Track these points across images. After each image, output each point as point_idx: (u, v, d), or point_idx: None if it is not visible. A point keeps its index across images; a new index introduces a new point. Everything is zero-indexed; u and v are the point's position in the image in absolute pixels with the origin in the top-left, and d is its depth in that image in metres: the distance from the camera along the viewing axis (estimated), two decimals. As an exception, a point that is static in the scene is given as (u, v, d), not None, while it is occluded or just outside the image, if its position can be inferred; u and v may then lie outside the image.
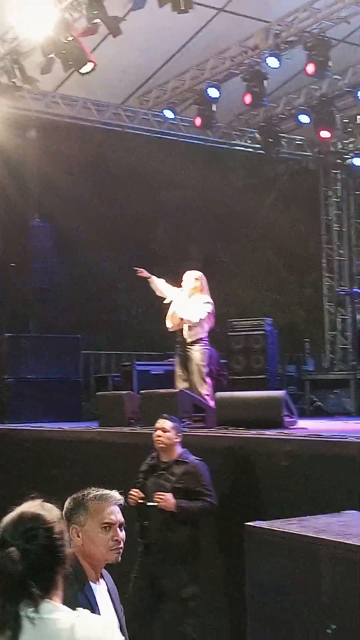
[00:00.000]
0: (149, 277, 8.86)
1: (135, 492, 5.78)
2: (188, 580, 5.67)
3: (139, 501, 5.74)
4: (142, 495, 5.76)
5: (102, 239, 16.34)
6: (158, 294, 8.85)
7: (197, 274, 8.72)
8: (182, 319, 8.51)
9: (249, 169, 18.06)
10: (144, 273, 8.89)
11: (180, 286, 8.70)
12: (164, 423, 5.89)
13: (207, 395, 8.47)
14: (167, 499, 5.61)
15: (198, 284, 8.62)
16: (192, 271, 8.79)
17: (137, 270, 8.91)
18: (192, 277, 8.66)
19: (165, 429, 5.85)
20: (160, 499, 5.62)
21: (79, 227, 15.62)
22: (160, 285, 8.83)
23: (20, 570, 2.07)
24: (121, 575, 6.09)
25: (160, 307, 9.04)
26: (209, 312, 8.54)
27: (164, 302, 8.80)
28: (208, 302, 8.60)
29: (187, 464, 5.80)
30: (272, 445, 6.19)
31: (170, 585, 5.68)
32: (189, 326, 8.50)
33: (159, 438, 5.85)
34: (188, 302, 8.57)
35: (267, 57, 11.45)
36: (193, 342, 8.53)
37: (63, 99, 13.17)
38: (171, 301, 8.67)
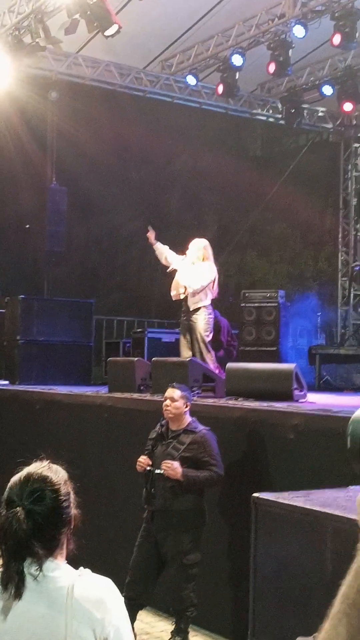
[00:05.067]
0: (155, 243, 8.84)
1: (143, 459, 5.84)
2: (191, 548, 5.73)
3: (147, 468, 5.80)
4: (149, 462, 5.81)
5: (117, 202, 16.31)
6: (163, 261, 8.84)
7: (203, 242, 8.69)
8: (185, 287, 8.51)
9: (269, 139, 17.93)
10: (151, 236, 8.83)
11: (185, 254, 8.66)
12: (172, 392, 5.89)
13: (211, 364, 8.48)
14: (173, 467, 5.65)
15: (201, 253, 8.60)
16: (197, 239, 8.75)
17: (149, 229, 8.86)
18: (197, 246, 8.63)
19: (173, 399, 5.86)
20: (167, 467, 5.67)
21: (95, 190, 15.59)
22: (165, 252, 8.80)
23: (25, 529, 2.12)
24: (128, 541, 6.19)
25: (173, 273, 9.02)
26: (211, 280, 8.53)
27: (167, 270, 8.76)
28: (211, 270, 8.59)
29: (196, 433, 5.82)
30: (280, 418, 6.20)
31: (173, 551, 5.74)
32: (191, 293, 8.50)
33: (167, 407, 5.86)
34: (191, 269, 8.54)
35: (293, 25, 11.29)
36: (195, 310, 8.53)
37: (85, 60, 13.07)
38: (175, 269, 8.65)
